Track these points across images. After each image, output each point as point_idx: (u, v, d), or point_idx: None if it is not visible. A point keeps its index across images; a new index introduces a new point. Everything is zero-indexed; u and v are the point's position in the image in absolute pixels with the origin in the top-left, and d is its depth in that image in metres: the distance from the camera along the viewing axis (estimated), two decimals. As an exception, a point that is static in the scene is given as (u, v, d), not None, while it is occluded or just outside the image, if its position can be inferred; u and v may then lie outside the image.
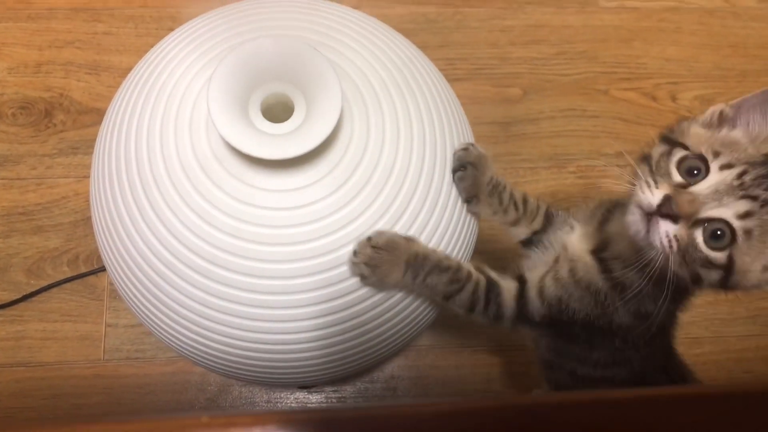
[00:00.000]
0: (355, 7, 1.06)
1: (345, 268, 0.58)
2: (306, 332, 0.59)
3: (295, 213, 0.56)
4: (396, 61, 0.64)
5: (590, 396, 0.42)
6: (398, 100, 0.61)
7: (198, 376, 0.91)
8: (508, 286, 0.65)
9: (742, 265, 0.54)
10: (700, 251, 0.53)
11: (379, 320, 0.63)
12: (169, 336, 0.66)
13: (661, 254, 0.54)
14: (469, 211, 0.67)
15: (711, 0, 1.10)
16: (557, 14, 1.08)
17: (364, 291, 0.60)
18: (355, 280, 0.59)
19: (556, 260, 0.65)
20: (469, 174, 0.65)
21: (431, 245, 0.62)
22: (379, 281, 0.60)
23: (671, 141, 0.57)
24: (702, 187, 0.53)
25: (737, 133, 0.57)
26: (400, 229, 0.59)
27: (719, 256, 0.53)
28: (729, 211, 0.52)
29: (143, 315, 0.66)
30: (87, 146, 0.98)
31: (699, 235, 0.53)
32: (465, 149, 0.65)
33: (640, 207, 0.55)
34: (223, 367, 0.67)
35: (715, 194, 0.53)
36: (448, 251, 0.64)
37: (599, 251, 0.63)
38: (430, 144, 0.62)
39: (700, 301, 0.93)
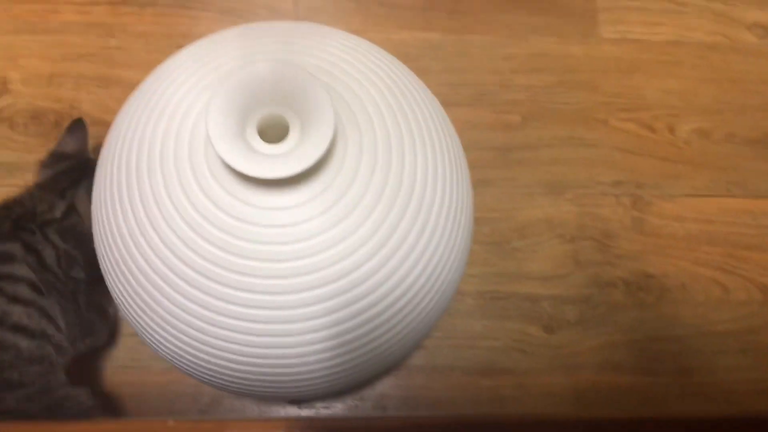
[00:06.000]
0: (361, 31, 1.08)
1: (330, 288, 0.59)
2: (292, 348, 0.61)
3: (285, 231, 0.57)
4: (391, 86, 0.66)
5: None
6: (391, 125, 0.63)
7: (192, 387, 0.92)
8: None
9: None
10: None
11: (375, 333, 0.65)
12: (161, 346, 0.67)
13: None
14: None
15: (711, 35, 1.11)
16: (560, 44, 1.10)
17: (349, 310, 0.61)
18: (345, 297, 0.60)
19: None
20: None
21: (418, 269, 0.63)
22: None
23: None
24: None
25: None
26: (386, 251, 0.60)
27: None
28: None
29: (138, 325, 0.68)
30: (93, 158, 1.00)
31: None
32: None
33: None
34: (214, 379, 0.69)
35: None
36: (435, 275, 0.65)
37: None
38: (422, 169, 0.64)
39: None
